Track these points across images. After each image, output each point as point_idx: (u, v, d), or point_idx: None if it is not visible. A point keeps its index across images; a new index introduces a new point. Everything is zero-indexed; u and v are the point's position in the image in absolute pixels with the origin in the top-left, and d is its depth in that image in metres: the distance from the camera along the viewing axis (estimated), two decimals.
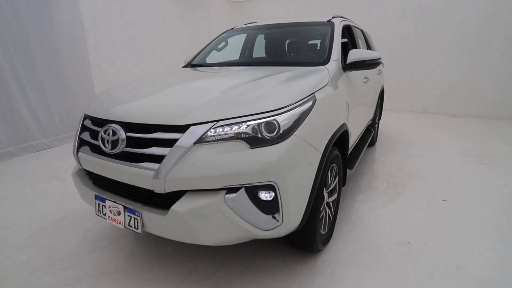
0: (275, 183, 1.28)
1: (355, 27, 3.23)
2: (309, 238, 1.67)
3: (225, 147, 1.24)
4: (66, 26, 4.61)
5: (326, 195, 1.86)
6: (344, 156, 2.15)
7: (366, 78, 2.92)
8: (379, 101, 4.25)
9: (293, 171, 1.32)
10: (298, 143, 1.35)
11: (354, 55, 2.16)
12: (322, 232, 1.86)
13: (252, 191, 1.30)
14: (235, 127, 1.25)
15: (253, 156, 1.25)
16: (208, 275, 1.69)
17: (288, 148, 1.30)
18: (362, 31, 3.60)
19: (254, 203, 1.31)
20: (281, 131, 1.30)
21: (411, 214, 2.40)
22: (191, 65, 2.74)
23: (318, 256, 1.87)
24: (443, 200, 2.61)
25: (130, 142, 1.36)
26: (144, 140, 1.33)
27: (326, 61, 2.11)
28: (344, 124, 1.94)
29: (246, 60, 2.92)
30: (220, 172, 1.23)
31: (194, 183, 1.25)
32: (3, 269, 1.79)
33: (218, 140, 1.24)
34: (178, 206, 1.25)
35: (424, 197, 2.68)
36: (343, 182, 2.27)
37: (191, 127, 1.26)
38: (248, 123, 1.27)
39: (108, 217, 1.50)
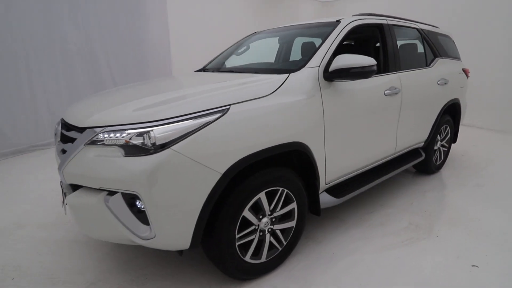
0: (138, 194, 1.26)
1: (401, 26, 2.62)
2: (220, 262, 1.54)
3: (106, 152, 1.31)
4: (155, 34, 5.61)
5: (265, 221, 1.66)
6: (312, 181, 1.84)
7: (395, 88, 2.32)
8: (450, 118, 3.28)
9: (163, 186, 1.26)
10: (175, 158, 1.27)
11: (338, 61, 1.79)
12: (253, 260, 1.67)
13: (128, 197, 1.33)
14: (117, 134, 1.31)
15: (122, 164, 1.28)
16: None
17: (158, 162, 1.25)
18: (420, 30, 2.87)
19: (131, 209, 1.33)
20: (156, 143, 1.26)
21: None
22: (204, 69, 2.88)
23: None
24: None
25: (64, 138, 1.62)
26: (66, 137, 1.56)
27: (298, 68, 1.84)
28: (299, 144, 1.66)
29: (242, 66, 2.68)
30: (96, 175, 1.31)
31: (80, 179, 1.38)
32: None
33: (103, 144, 1.33)
34: (69, 197, 1.42)
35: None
36: (315, 210, 1.95)
37: (86, 130, 1.39)
38: (128, 131, 1.29)
39: None
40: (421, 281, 1.74)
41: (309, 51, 2.03)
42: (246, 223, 1.61)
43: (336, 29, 2.07)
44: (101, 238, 1.46)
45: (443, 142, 3.39)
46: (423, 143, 3.02)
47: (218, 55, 2.99)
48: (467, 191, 2.92)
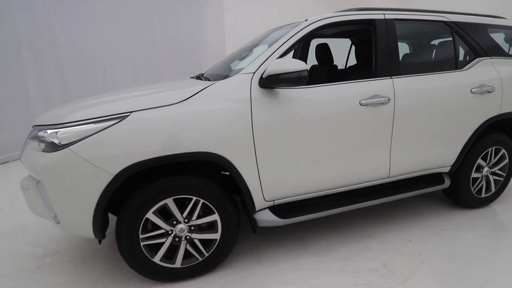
0: (42, 182, 1.49)
1: (411, 20, 2.12)
2: (124, 257, 1.65)
3: (35, 146, 1.59)
4: (211, 41, 6.11)
5: (180, 227, 1.69)
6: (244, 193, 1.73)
7: (380, 97, 1.90)
8: (507, 139, 2.44)
9: (58, 179, 1.45)
10: (70, 157, 1.43)
11: (270, 66, 1.62)
12: (164, 263, 1.70)
13: None
14: (40, 133, 1.56)
15: (37, 157, 1.52)
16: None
17: (55, 159, 1.44)
18: (451, 23, 2.23)
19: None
20: (61, 143, 1.45)
21: None
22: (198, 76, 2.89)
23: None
24: None
25: None
26: None
27: (227, 76, 1.73)
28: (212, 155, 1.60)
29: (220, 72, 2.38)
30: (28, 164, 1.61)
31: (25, 166, 1.71)
32: None
33: (37, 139, 1.61)
34: (21, 181, 1.77)
35: None
36: (251, 225, 1.84)
37: (33, 127, 1.71)
38: (48, 131, 1.53)
39: None
40: None
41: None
42: (157, 225, 1.66)
43: (290, 32, 1.85)
44: (40, 216, 1.77)
45: (495, 169, 2.54)
46: (449, 167, 2.35)
47: (223, 60, 3.06)
48: (507, 242, 2.12)
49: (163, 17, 5.55)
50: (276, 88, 1.71)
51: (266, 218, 1.87)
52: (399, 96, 1.99)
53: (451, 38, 2.26)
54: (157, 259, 1.69)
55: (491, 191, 2.59)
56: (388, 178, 2.15)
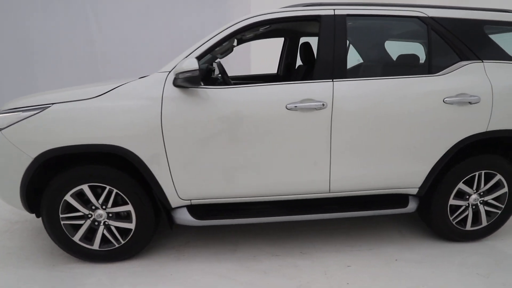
0: None
1: (370, 15, 1.87)
2: (47, 232, 1.84)
3: None
4: None
5: (99, 212, 1.82)
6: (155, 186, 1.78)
7: (314, 102, 1.72)
8: (503, 162, 1.99)
9: None
10: (2, 140, 1.66)
11: (176, 66, 1.62)
12: (83, 244, 1.85)
13: None
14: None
15: None
16: None
17: None
18: (428, 20, 1.88)
19: None
20: (1, 127, 1.68)
21: None
22: None
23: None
24: None
25: None
26: None
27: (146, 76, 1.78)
28: (117, 147, 1.67)
29: None
30: None
31: None
32: None
33: None
34: None
35: None
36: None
37: None
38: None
39: None
40: None
41: None
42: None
43: (221, 29, 1.80)
44: None
45: (488, 199, 2.06)
46: (417, 189, 2.00)
47: None
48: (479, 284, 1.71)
49: (188, 15, 5.85)
50: (189, 87, 1.70)
51: (182, 216, 1.88)
52: (339, 101, 1.77)
53: (426, 37, 1.91)
54: (76, 238, 1.86)
55: (480, 224, 2.12)
56: (330, 193, 1.95)
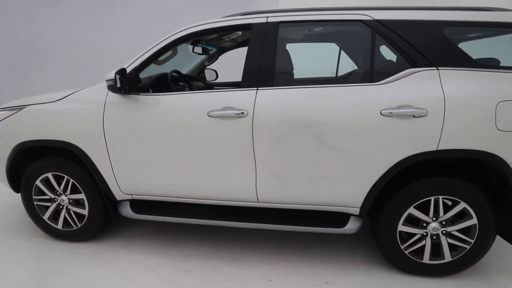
0: None
1: (304, 21, 1.78)
2: (28, 212, 2.23)
3: None
4: None
5: (62, 197, 2.15)
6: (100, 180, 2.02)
7: (235, 110, 1.73)
8: (473, 191, 1.67)
9: None
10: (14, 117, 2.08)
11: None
12: (50, 222, 2.20)
13: None
14: None
15: None
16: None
17: None
18: (373, 23, 1.69)
19: None
20: None
21: None
22: None
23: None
24: None
25: None
26: None
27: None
28: (66, 143, 1.97)
29: None
30: None
31: None
32: None
33: None
34: None
35: None
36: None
37: None
38: None
39: None
40: None
41: None
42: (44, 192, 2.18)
43: (155, 42, 1.93)
44: None
45: (452, 229, 1.74)
46: (358, 209, 1.81)
47: None
48: None
49: (218, 14, 6.17)
50: (127, 94, 1.88)
51: (123, 208, 2.09)
52: (260, 110, 1.73)
53: (369, 42, 1.71)
54: (45, 217, 2.22)
55: (443, 258, 1.79)
56: (258, 202, 1.91)
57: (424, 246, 1.81)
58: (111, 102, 1.93)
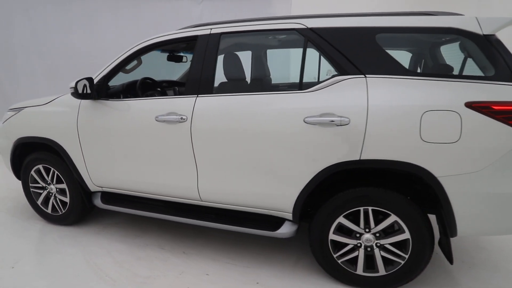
0: None
1: (244, 32, 1.87)
2: (28, 199, 2.65)
3: None
4: None
5: (51, 186, 2.52)
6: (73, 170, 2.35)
7: (177, 115, 1.88)
8: (408, 205, 1.61)
9: (1, 141, 2.60)
10: (2, 129, 2.55)
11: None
12: (43, 208, 2.58)
13: None
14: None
15: None
16: None
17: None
18: (307, 31, 1.72)
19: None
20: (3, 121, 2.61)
21: None
22: None
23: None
24: None
25: None
26: None
27: None
28: (48, 139, 2.32)
29: None
30: None
31: None
32: None
33: None
34: None
35: None
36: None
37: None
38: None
39: None
40: None
41: None
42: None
43: (119, 54, 2.16)
44: None
45: (385, 243, 1.68)
46: (291, 214, 1.84)
47: None
48: None
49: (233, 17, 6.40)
50: (95, 99, 2.16)
51: (95, 199, 2.39)
52: (198, 116, 1.87)
53: (303, 51, 1.73)
54: (39, 202, 2.60)
55: (377, 271, 1.74)
56: (201, 201, 2.04)
57: (357, 257, 1.77)
58: (83, 106, 2.22)
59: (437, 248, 1.79)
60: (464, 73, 1.72)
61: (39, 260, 2.14)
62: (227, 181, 1.90)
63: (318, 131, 1.63)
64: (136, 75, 2.64)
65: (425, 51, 1.78)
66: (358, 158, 1.58)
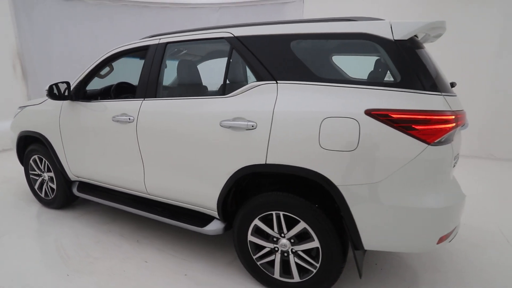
0: None
1: (185, 41, 2.02)
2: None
3: None
4: None
5: (44, 175, 2.95)
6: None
7: (126, 116, 2.10)
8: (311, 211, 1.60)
9: (12, 134, 3.10)
10: (12, 124, 3.04)
11: None
12: (40, 193, 3.01)
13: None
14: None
15: None
16: None
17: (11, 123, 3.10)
18: (234, 39, 1.80)
19: None
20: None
21: None
22: None
23: None
24: None
25: None
26: None
27: None
28: (39, 133, 2.72)
29: None
30: None
31: None
32: None
33: None
34: None
35: None
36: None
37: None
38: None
39: None
40: None
41: None
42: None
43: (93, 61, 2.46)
44: None
45: (298, 249, 1.68)
46: (216, 212, 1.92)
47: None
48: None
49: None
50: (72, 100, 2.48)
51: (74, 188, 2.72)
52: (141, 117, 2.06)
53: (229, 57, 1.81)
54: (35, 187, 3.05)
55: (292, 277, 1.73)
56: (147, 194, 2.22)
57: (274, 260, 1.79)
58: (64, 106, 2.57)
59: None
60: (375, 80, 1.64)
61: (20, 234, 2.52)
62: (165, 177, 2.06)
63: (231, 134, 1.70)
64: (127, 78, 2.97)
65: (340, 57, 1.73)
66: (264, 162, 1.62)
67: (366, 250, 1.75)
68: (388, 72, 1.53)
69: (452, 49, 4.60)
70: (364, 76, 1.78)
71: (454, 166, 1.52)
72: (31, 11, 5.67)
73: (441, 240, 1.44)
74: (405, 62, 1.40)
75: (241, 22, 1.87)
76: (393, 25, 1.45)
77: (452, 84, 1.83)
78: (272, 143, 1.58)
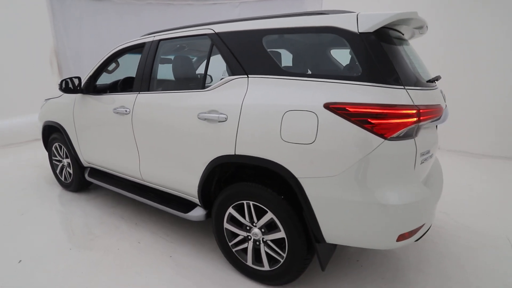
0: None
1: (174, 38, 2.15)
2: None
3: None
4: None
5: (64, 161, 3.29)
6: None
7: (124, 108, 2.29)
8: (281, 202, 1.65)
9: (39, 123, 3.49)
10: (39, 114, 3.42)
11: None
12: (61, 176, 3.36)
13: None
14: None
15: None
16: None
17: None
18: (215, 36, 1.87)
19: None
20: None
21: None
22: None
23: None
24: None
25: None
26: None
27: None
28: (57, 123, 3.04)
29: None
30: None
31: None
32: None
33: None
34: None
35: None
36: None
37: None
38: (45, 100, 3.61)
39: None
40: None
41: None
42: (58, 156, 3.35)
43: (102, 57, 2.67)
44: None
45: (267, 238, 1.74)
46: (197, 199, 2.03)
47: None
48: None
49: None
50: (83, 93, 2.74)
51: (85, 173, 3.01)
52: (136, 109, 2.23)
53: (209, 53, 1.88)
54: (57, 171, 3.41)
55: (263, 265, 1.79)
56: (143, 180, 2.40)
57: (247, 248, 1.86)
58: (78, 99, 2.84)
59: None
60: (340, 74, 1.61)
61: (40, 212, 2.87)
62: (156, 165, 2.22)
63: (206, 126, 1.79)
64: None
65: (308, 51, 1.71)
66: (233, 153, 1.69)
67: (336, 245, 1.77)
68: (353, 64, 1.50)
69: (463, 48, 4.23)
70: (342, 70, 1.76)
71: (423, 162, 1.46)
72: (66, 12, 6.22)
73: (402, 237, 1.41)
74: (368, 55, 1.38)
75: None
76: (360, 17, 1.43)
77: (437, 78, 1.74)
78: (240, 135, 1.64)
